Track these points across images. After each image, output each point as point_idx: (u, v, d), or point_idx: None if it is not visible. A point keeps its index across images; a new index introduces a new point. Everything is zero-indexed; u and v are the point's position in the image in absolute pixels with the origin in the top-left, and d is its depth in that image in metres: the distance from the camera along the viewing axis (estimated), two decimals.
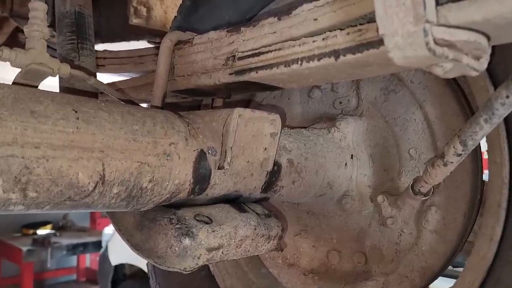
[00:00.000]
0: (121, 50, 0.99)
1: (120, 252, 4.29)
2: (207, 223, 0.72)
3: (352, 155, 0.97)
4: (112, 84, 0.93)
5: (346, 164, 0.96)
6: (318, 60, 0.57)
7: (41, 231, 6.58)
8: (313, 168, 0.89)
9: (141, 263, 3.94)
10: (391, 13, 0.45)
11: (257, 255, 1.18)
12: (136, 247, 0.74)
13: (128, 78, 0.97)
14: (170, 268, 0.69)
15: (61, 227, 6.92)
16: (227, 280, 1.13)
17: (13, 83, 0.62)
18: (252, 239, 0.76)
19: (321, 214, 1.04)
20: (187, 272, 0.69)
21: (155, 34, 1.81)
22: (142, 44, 1.53)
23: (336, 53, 0.55)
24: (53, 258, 6.94)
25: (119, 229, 0.78)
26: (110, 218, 0.79)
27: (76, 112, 0.57)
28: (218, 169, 0.71)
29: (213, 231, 0.71)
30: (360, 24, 0.52)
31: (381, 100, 0.96)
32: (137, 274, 4.40)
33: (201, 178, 0.70)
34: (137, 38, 1.87)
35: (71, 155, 0.55)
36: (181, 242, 0.68)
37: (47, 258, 6.78)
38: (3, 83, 0.55)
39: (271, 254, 1.14)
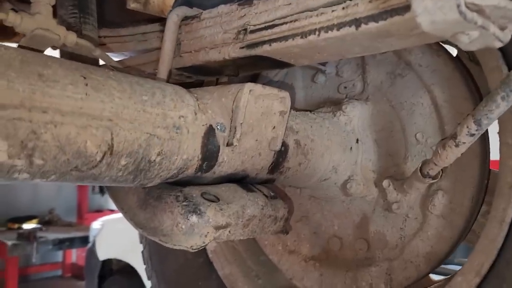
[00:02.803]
0: (122, 28, 0.96)
1: (108, 247, 4.25)
2: (214, 201, 0.70)
3: (357, 139, 0.95)
4: (119, 62, 0.90)
5: (351, 148, 0.94)
6: (338, 29, 0.56)
7: (27, 226, 6.49)
8: (319, 150, 0.87)
9: (129, 258, 3.91)
10: None
11: (257, 242, 1.17)
12: (140, 226, 0.72)
13: (129, 56, 0.95)
14: (176, 246, 0.67)
15: (47, 222, 6.82)
16: (226, 267, 1.12)
17: (19, 46, 0.60)
18: (259, 219, 0.75)
19: (324, 199, 1.03)
20: (193, 250, 0.67)
21: (152, 21, 1.77)
22: None
23: (357, 22, 0.54)
24: (39, 252, 6.83)
25: (122, 208, 0.75)
26: (112, 198, 0.76)
27: (85, 78, 0.54)
28: (226, 146, 0.69)
29: (221, 209, 0.69)
30: None
31: (387, 84, 0.95)
32: (125, 269, 4.36)
33: (209, 155, 0.68)
34: (133, 24, 1.83)
35: (80, 122, 0.52)
36: (188, 219, 0.66)
37: (33, 252, 6.68)
38: (10, 46, 0.52)
39: (271, 241, 1.12)
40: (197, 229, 0.66)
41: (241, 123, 0.68)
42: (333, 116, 0.95)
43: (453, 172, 0.84)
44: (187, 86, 0.90)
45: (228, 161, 0.71)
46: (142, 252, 1.30)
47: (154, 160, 0.61)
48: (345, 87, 1.02)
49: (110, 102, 0.55)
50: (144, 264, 1.29)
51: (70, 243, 6.71)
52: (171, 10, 0.82)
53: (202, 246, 0.68)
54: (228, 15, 0.72)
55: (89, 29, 0.83)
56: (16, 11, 0.66)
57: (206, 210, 0.67)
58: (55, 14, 0.74)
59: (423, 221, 0.88)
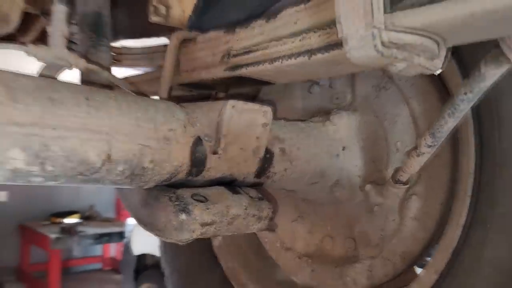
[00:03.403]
0: (135, 46, 1.09)
1: (141, 242, 4.44)
2: (202, 201, 0.81)
3: (344, 147, 1.04)
4: (125, 78, 1.03)
5: (338, 155, 1.03)
6: (295, 58, 0.65)
7: (68, 220, 6.79)
8: (305, 157, 0.97)
9: None
10: (348, 19, 0.53)
11: (259, 240, 1.27)
12: (141, 221, 0.84)
13: (141, 72, 1.07)
14: (169, 240, 0.79)
15: (87, 217, 7.15)
16: (229, 261, 1.23)
17: (39, 74, 0.73)
18: (243, 218, 0.85)
19: (315, 201, 1.12)
20: (182, 243, 0.79)
21: (174, 31, 1.91)
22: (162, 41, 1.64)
23: (309, 52, 0.63)
24: (80, 246, 7.18)
25: (128, 206, 0.88)
26: (120, 197, 0.89)
27: (87, 99, 0.67)
28: (213, 154, 0.80)
29: (207, 209, 0.80)
30: (329, 28, 0.60)
31: (373, 96, 1.03)
32: (158, 264, 4.50)
33: (198, 161, 0.79)
34: (158, 35, 1.98)
35: (82, 136, 0.65)
36: (178, 217, 0.77)
37: (74, 246, 7.03)
38: (29, 75, 0.65)
39: (270, 239, 1.22)
40: (186, 226, 0.78)
41: (225, 135, 0.79)
42: (322, 125, 1.05)
43: (426, 179, 0.92)
44: (190, 98, 1.02)
45: (215, 167, 0.82)
46: (159, 246, 1.44)
47: (147, 167, 0.73)
48: (337, 98, 1.11)
49: (108, 119, 0.68)
50: (161, 256, 1.42)
51: (108, 237, 7.02)
52: (173, 34, 0.94)
53: (190, 240, 0.79)
54: (216, 40, 0.83)
55: (103, 50, 0.96)
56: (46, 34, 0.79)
57: (194, 209, 0.78)
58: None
59: (400, 222, 0.95)
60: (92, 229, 6.83)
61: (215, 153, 0.80)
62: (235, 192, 0.86)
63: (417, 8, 0.50)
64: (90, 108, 0.66)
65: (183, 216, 0.77)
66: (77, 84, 0.70)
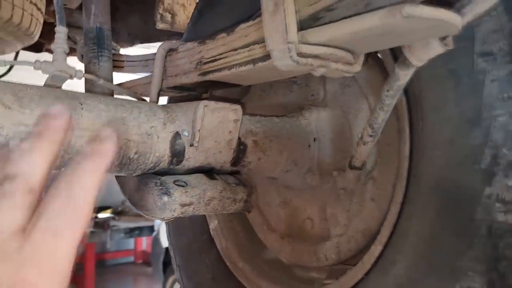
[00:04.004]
0: (134, 55, 1.26)
1: None
2: (182, 186, 0.97)
3: (314, 138, 1.18)
4: (122, 83, 1.20)
5: (309, 145, 1.17)
6: (245, 66, 0.80)
7: (102, 215, 7.09)
8: (277, 148, 1.11)
9: None
10: (272, 36, 0.67)
11: (250, 223, 1.42)
12: (134, 204, 1.01)
13: (139, 77, 1.24)
14: (154, 218, 0.95)
15: (119, 212, 7.46)
16: (223, 242, 1.38)
17: (44, 85, 0.90)
18: (219, 200, 1.01)
19: (295, 188, 1.26)
20: (165, 221, 0.95)
21: (181, 36, 2.08)
22: None
23: (254, 61, 0.78)
24: (113, 240, 7.51)
25: (124, 191, 1.05)
26: (118, 183, 1.06)
27: (81, 104, 0.83)
28: (190, 146, 0.96)
29: (186, 192, 0.96)
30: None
31: (339, 93, 1.16)
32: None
33: (177, 153, 0.95)
34: (169, 38, 2.16)
35: (78, 134, 0.82)
36: (161, 198, 0.93)
37: (107, 240, 7.36)
38: (34, 85, 0.83)
39: (258, 222, 1.37)
40: (168, 206, 0.94)
41: (199, 130, 0.94)
42: (296, 119, 1.18)
43: (380, 164, 1.05)
44: (181, 98, 1.17)
45: (193, 157, 0.98)
46: (166, 230, 1.61)
47: (133, 157, 0.89)
48: (312, 95, 1.24)
49: (98, 119, 0.84)
50: (167, 239, 1.60)
51: (139, 231, 7.31)
52: (160, 45, 1.09)
53: (171, 218, 0.95)
54: (192, 50, 0.98)
55: (105, 60, 1.13)
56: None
57: (174, 192, 0.94)
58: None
59: (362, 204, 1.08)
60: (124, 224, 7.15)
61: (191, 145, 0.95)
62: (212, 178, 1.02)
63: (321, 27, 0.64)
64: (84, 111, 0.83)
65: (165, 198, 0.94)
66: (74, 92, 0.87)
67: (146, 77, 1.23)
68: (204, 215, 1.44)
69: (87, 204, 0.37)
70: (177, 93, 1.17)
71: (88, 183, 0.38)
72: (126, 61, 1.31)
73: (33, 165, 0.38)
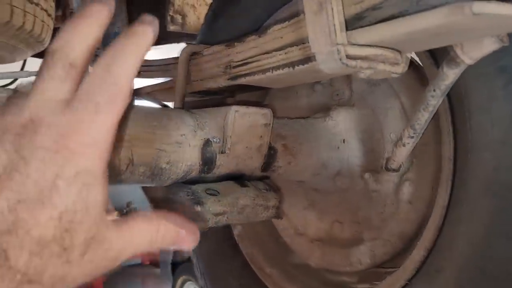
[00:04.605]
0: (152, 60, 1.22)
1: None
2: (214, 195, 0.93)
3: (343, 140, 1.14)
4: (139, 89, 1.17)
5: (338, 147, 1.13)
6: (282, 69, 0.76)
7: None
8: (307, 151, 1.07)
9: None
10: (317, 38, 0.64)
11: (275, 228, 1.39)
12: None
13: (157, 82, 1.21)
14: None
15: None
16: (249, 247, 1.35)
17: None
18: (252, 208, 0.97)
19: (323, 190, 1.22)
20: (199, 231, 0.91)
21: (192, 37, 2.05)
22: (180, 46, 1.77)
23: (292, 64, 0.74)
24: None
25: (151, 201, 1.01)
26: (144, 193, 1.03)
27: None
28: (221, 153, 0.92)
29: (219, 201, 0.92)
30: (307, 43, 0.71)
31: (368, 92, 1.12)
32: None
33: (208, 160, 0.91)
34: (177, 41, 2.12)
35: None
36: (194, 208, 0.90)
37: None
38: None
39: (285, 226, 1.34)
40: (200, 216, 0.90)
41: (230, 136, 0.91)
42: (323, 121, 1.15)
43: (418, 165, 1.01)
44: (206, 102, 1.14)
45: (224, 164, 0.94)
46: None
47: (164, 167, 0.86)
48: (337, 95, 1.21)
49: (129, 129, 0.81)
50: None
51: None
52: (183, 49, 1.06)
53: (205, 229, 0.92)
54: (219, 53, 0.94)
55: None
56: None
57: (207, 202, 0.91)
58: None
59: (397, 206, 1.05)
60: None
61: (223, 152, 0.92)
62: (243, 185, 0.98)
63: (371, 27, 0.60)
64: None
65: (198, 208, 0.90)
66: None
67: (166, 82, 1.20)
68: None
69: (127, 82, 0.39)
70: (199, 98, 1.13)
71: (128, 62, 0.39)
72: (144, 66, 1.27)
73: (73, 41, 0.39)
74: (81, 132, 0.37)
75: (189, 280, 4.51)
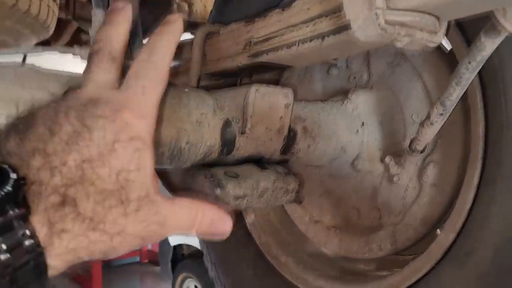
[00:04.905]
0: None
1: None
2: (234, 177, 0.90)
3: (363, 123, 1.11)
4: None
5: (357, 130, 1.10)
6: (310, 41, 0.73)
7: None
8: (326, 134, 1.04)
9: (197, 243, 4.19)
10: (353, 3, 0.60)
11: (289, 216, 1.36)
12: None
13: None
14: None
15: None
16: (263, 237, 1.32)
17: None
18: (272, 191, 0.94)
19: (340, 176, 1.19)
20: None
21: (196, 27, 2.00)
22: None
23: (322, 36, 0.70)
24: None
25: (167, 186, 0.98)
26: (159, 178, 0.99)
27: None
28: (241, 134, 0.89)
29: (239, 183, 0.89)
30: (338, 12, 0.67)
31: (388, 73, 1.09)
32: (195, 253, 4.61)
33: (228, 141, 0.88)
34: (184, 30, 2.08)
35: None
36: (214, 191, 0.87)
37: None
38: (79, 73, 0.75)
39: (299, 214, 1.30)
40: (220, 199, 0.87)
41: (251, 116, 0.87)
42: (341, 104, 1.11)
43: (442, 146, 0.98)
44: (219, 85, 1.10)
45: (244, 146, 0.91)
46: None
47: (184, 148, 0.82)
48: (354, 78, 1.17)
49: None
50: (198, 238, 1.53)
51: None
52: (198, 29, 1.02)
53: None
54: (238, 30, 0.91)
55: (138, 47, 1.06)
56: (77, 36, 0.89)
57: (227, 184, 0.87)
58: None
59: (420, 189, 1.02)
60: None
61: (243, 133, 0.88)
62: (263, 168, 0.95)
63: None
64: None
65: (218, 191, 0.87)
66: None
67: (178, 64, 1.16)
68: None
69: (164, 67, 0.50)
70: (214, 81, 1.10)
71: (164, 51, 0.50)
72: None
73: (111, 40, 0.50)
74: (133, 107, 0.45)
75: (189, 278, 4.48)
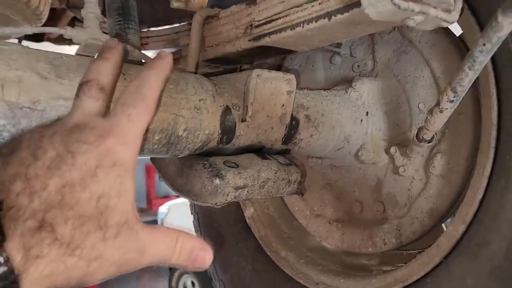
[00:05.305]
0: (161, 28, 1.14)
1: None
2: (234, 167, 0.85)
3: (367, 112, 1.07)
4: None
5: (361, 120, 1.06)
6: (316, 21, 0.69)
7: None
8: (330, 123, 1.00)
9: None
10: None
11: (289, 209, 1.32)
12: (178, 190, 0.89)
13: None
14: (204, 204, 0.84)
15: None
16: (262, 230, 1.28)
17: (76, 54, 0.79)
18: (274, 182, 0.89)
19: (343, 168, 1.15)
20: (218, 207, 0.84)
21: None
22: None
23: (329, 14, 0.66)
24: None
25: (164, 177, 0.93)
26: (156, 169, 0.95)
27: (124, 74, 0.72)
28: (241, 122, 0.84)
29: (239, 173, 0.84)
30: None
31: (393, 61, 1.05)
32: None
33: (228, 129, 0.84)
34: (179, 21, 2.03)
35: None
36: (213, 182, 0.82)
37: None
38: (70, 54, 0.71)
39: (300, 207, 1.27)
40: (220, 190, 0.82)
41: (252, 102, 0.83)
42: (345, 92, 1.07)
43: (450, 136, 0.94)
44: (219, 73, 1.06)
45: (244, 135, 0.86)
46: (193, 222, 1.50)
47: (181, 135, 0.78)
48: (358, 66, 1.13)
49: None
50: (195, 232, 1.49)
51: None
52: (196, 12, 0.98)
53: (224, 203, 0.84)
54: (239, 13, 0.86)
55: (132, 33, 1.01)
56: (72, 26, 0.85)
57: (227, 174, 0.83)
58: None
59: (426, 181, 0.98)
60: None
61: (243, 120, 0.84)
62: (264, 158, 0.91)
63: None
64: (126, 81, 0.71)
65: (217, 181, 0.82)
66: None
67: (177, 51, 1.12)
68: (238, 202, 1.33)
69: (153, 99, 0.51)
70: (213, 69, 1.05)
71: (153, 84, 0.52)
72: (151, 36, 1.19)
73: (102, 71, 0.52)
74: (117, 133, 0.45)
75: (186, 273, 4.45)
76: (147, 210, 7.67)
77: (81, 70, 0.68)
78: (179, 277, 4.54)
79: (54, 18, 2.03)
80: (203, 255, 0.49)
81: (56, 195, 0.40)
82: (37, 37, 2.25)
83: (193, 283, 4.36)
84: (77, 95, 0.51)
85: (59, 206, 0.40)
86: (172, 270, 4.66)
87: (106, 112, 0.50)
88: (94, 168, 0.42)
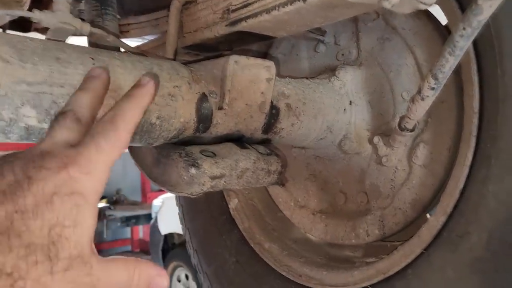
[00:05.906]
0: (140, 16, 1.11)
1: (168, 222, 4.54)
2: (211, 156, 0.83)
3: (350, 101, 1.05)
4: (136, 47, 1.05)
5: (345, 109, 1.04)
6: (291, 4, 0.66)
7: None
8: (312, 112, 0.98)
9: None
10: None
11: (273, 201, 1.30)
12: (155, 180, 0.87)
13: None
14: (180, 194, 0.82)
15: (115, 201, 7.33)
16: (245, 222, 1.26)
17: (46, 38, 0.76)
18: (253, 172, 0.87)
19: (327, 158, 1.13)
20: (193, 196, 0.82)
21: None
22: None
23: None
24: (109, 229, 7.37)
25: (141, 166, 0.91)
26: (133, 158, 0.92)
27: (93, 59, 0.69)
28: (218, 109, 0.82)
29: (216, 163, 0.82)
30: None
31: (377, 49, 1.03)
32: (185, 242, 4.55)
33: (204, 117, 0.81)
34: (159, 9, 1.99)
35: None
36: (189, 171, 0.80)
37: (104, 229, 7.22)
38: (37, 38, 0.68)
39: (284, 198, 1.25)
40: (196, 179, 0.80)
41: (229, 90, 0.81)
42: (328, 81, 1.05)
43: (432, 125, 0.92)
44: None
45: (222, 123, 0.84)
46: (178, 213, 1.48)
47: (155, 123, 0.75)
48: (343, 54, 1.11)
49: (113, 77, 0.70)
50: (180, 223, 1.47)
51: (136, 220, 7.19)
52: None
53: (201, 193, 0.82)
54: None
55: (109, 19, 0.98)
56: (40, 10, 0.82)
57: (203, 163, 0.81)
58: None
59: (409, 171, 0.96)
60: (120, 213, 7.02)
61: (220, 108, 0.82)
62: (243, 147, 0.89)
63: None
64: (95, 67, 0.69)
65: (193, 171, 0.80)
66: (82, 46, 0.72)
67: (156, 38, 1.09)
68: (222, 193, 1.31)
69: (126, 132, 0.48)
70: (193, 57, 1.03)
71: (128, 116, 0.48)
72: (131, 23, 1.16)
73: (80, 103, 0.50)
74: (82, 162, 0.43)
75: (180, 266, 4.45)
76: (142, 203, 7.65)
77: (47, 55, 0.65)
78: (173, 269, 4.54)
79: (40, 7, 2.00)
80: (161, 282, 0.48)
81: (6, 221, 0.38)
82: (24, 27, 2.21)
83: (186, 276, 4.36)
84: (51, 125, 0.48)
85: (5, 233, 0.38)
86: (166, 263, 4.66)
87: (80, 144, 0.48)
88: (51, 195, 0.41)
